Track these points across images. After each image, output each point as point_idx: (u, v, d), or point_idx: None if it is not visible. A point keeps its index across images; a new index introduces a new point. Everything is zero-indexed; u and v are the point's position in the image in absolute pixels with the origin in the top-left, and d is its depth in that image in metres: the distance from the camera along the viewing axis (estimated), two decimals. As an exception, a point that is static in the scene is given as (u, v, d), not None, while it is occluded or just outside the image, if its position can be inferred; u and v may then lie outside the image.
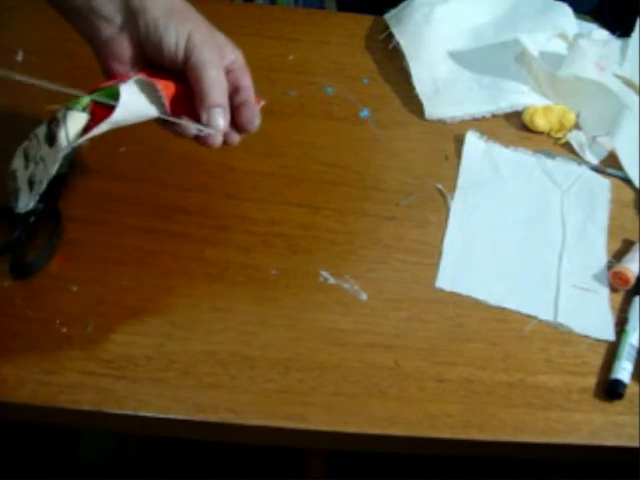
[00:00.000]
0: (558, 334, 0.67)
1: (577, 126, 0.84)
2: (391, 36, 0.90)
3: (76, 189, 0.71)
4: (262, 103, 0.64)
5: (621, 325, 0.68)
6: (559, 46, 0.88)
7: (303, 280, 0.68)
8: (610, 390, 0.63)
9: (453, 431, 0.61)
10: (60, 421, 0.61)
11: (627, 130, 0.81)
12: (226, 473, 1.14)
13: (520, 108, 0.84)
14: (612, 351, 0.66)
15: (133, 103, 0.58)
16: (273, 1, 1.13)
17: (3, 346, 0.61)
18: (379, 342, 0.65)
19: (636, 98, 0.84)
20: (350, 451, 0.68)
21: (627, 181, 0.80)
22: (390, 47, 0.90)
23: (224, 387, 0.61)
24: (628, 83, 0.85)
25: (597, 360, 0.66)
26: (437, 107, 0.84)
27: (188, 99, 0.60)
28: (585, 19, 0.94)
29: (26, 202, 0.62)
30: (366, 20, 0.94)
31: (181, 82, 0.60)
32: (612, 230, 0.76)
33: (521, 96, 0.85)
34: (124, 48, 0.59)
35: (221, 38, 0.61)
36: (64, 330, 0.62)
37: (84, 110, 0.58)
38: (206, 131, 0.60)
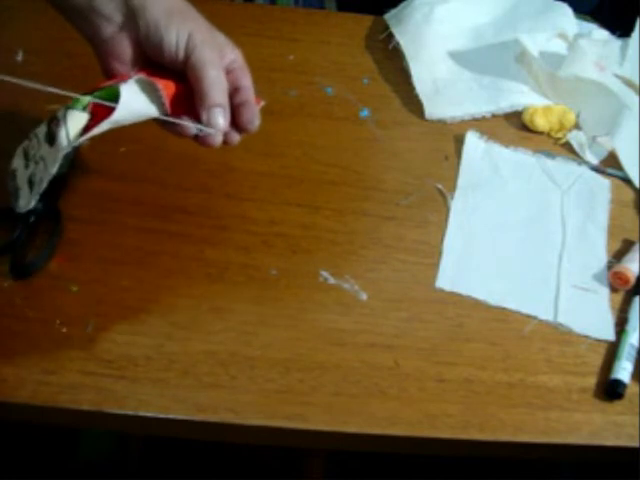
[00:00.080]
0: (558, 334, 0.67)
1: (577, 126, 0.84)
2: (391, 36, 0.90)
3: (76, 189, 0.71)
4: (262, 103, 0.64)
5: (621, 325, 0.68)
6: (559, 46, 0.88)
7: (303, 280, 0.68)
8: (610, 390, 0.63)
9: (453, 431, 0.61)
10: (60, 421, 0.61)
11: (627, 130, 0.81)
12: (226, 473, 1.14)
13: (520, 108, 0.84)
14: (612, 351, 0.66)
15: (133, 102, 0.58)
16: (273, 1, 1.13)
17: (3, 346, 0.61)
18: (379, 342, 0.65)
19: (636, 98, 0.84)
20: (350, 451, 0.68)
21: (627, 181, 0.80)
22: (390, 47, 0.90)
23: (224, 387, 0.61)
24: (628, 83, 0.85)
25: (597, 360, 0.66)
26: (437, 107, 0.84)
27: (188, 99, 0.60)
28: (585, 19, 0.94)
29: (26, 201, 0.62)
30: (366, 20, 0.94)
31: (181, 82, 0.60)
32: (612, 230, 0.76)
33: (521, 96, 0.85)
34: (124, 47, 0.59)
35: (221, 38, 0.62)
36: (64, 330, 0.62)
37: (84, 109, 0.58)
38: (206, 131, 0.60)
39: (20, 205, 0.62)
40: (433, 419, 0.61)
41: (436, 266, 0.70)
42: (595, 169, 0.81)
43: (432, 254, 0.71)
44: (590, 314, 0.69)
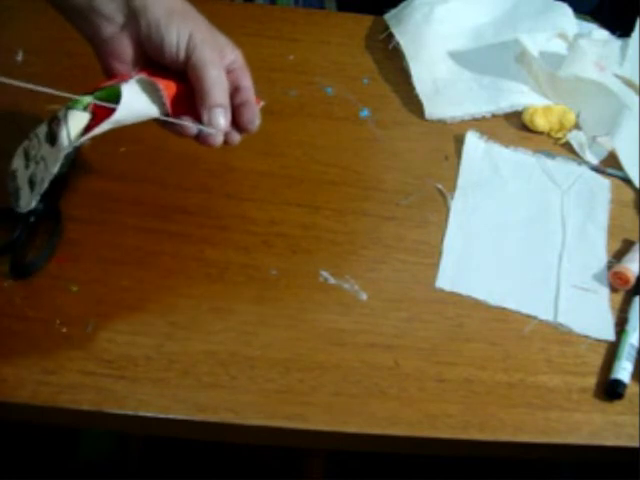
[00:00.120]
0: (558, 334, 0.67)
1: (577, 126, 0.84)
2: (391, 36, 0.90)
3: (76, 189, 0.71)
4: (262, 104, 0.64)
5: (621, 325, 0.68)
6: (559, 46, 0.88)
7: (303, 280, 0.68)
8: (610, 390, 0.63)
9: (453, 431, 0.61)
10: (60, 421, 0.61)
11: (627, 130, 0.81)
12: (226, 473, 1.14)
13: (520, 108, 0.84)
14: (612, 351, 0.66)
15: (134, 102, 0.58)
16: (273, 1, 1.13)
17: (3, 346, 0.61)
18: (379, 342, 0.65)
19: (636, 98, 0.84)
20: (350, 451, 0.68)
21: (627, 181, 0.80)
22: (390, 47, 0.90)
23: (224, 387, 0.61)
24: (628, 83, 0.85)
25: (597, 360, 0.66)
26: (437, 107, 0.84)
27: (189, 99, 0.60)
28: (585, 19, 0.94)
29: (27, 202, 0.62)
30: (366, 20, 0.94)
31: (182, 82, 0.60)
32: (612, 230, 0.76)
33: (521, 96, 0.85)
34: (125, 47, 0.59)
35: (222, 38, 0.62)
36: (64, 330, 0.62)
37: (85, 109, 0.58)
38: (207, 131, 0.60)
39: (21, 205, 0.62)
40: (433, 419, 0.61)
41: (436, 266, 0.70)
42: (595, 169, 0.81)
43: (432, 254, 0.71)
44: (590, 314, 0.69)
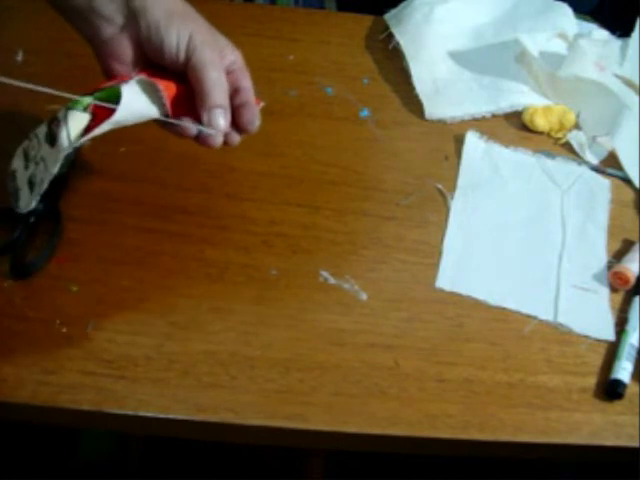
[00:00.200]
0: (558, 334, 0.67)
1: (577, 126, 0.84)
2: (391, 36, 0.90)
3: (76, 189, 0.71)
4: (261, 104, 0.64)
5: (621, 325, 0.68)
6: (559, 46, 0.88)
7: (303, 280, 0.68)
8: (610, 390, 0.63)
9: (453, 431, 0.61)
10: (60, 421, 0.61)
11: (627, 130, 0.81)
12: (226, 473, 1.14)
13: (520, 108, 0.84)
14: (612, 351, 0.66)
15: (135, 103, 0.58)
16: (273, 1, 1.13)
17: (3, 346, 0.61)
18: (379, 342, 0.65)
19: (636, 98, 0.84)
20: (350, 451, 0.68)
21: (627, 181, 0.80)
22: (390, 47, 0.90)
23: (224, 387, 0.61)
24: (628, 83, 0.85)
25: (597, 360, 0.66)
26: (437, 107, 0.84)
27: (189, 100, 0.60)
28: (585, 19, 0.94)
29: (27, 202, 0.62)
30: (366, 20, 0.94)
31: (181, 82, 0.60)
32: (612, 230, 0.76)
33: (521, 96, 0.85)
34: (124, 48, 0.59)
35: (221, 39, 0.62)
36: (64, 330, 0.62)
37: (85, 110, 0.58)
38: (207, 131, 0.60)
39: (20, 206, 0.62)
40: (433, 419, 0.61)
41: (436, 266, 0.70)
42: (595, 169, 0.81)
43: (432, 254, 0.71)
44: (590, 314, 0.69)
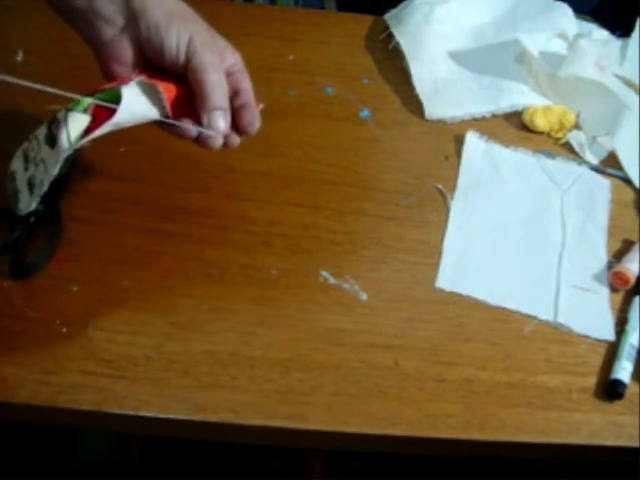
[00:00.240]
0: (558, 334, 0.67)
1: (577, 126, 0.84)
2: (391, 36, 0.90)
3: (76, 189, 0.71)
4: (261, 106, 0.64)
5: (621, 325, 0.68)
6: (559, 46, 0.88)
7: (303, 280, 0.68)
8: (610, 390, 0.63)
9: (453, 431, 0.61)
10: (60, 421, 0.61)
11: (627, 130, 0.81)
12: (226, 473, 1.14)
13: (520, 108, 0.84)
14: (612, 351, 0.66)
15: (135, 105, 0.58)
16: (273, 1, 1.13)
17: (3, 346, 0.61)
18: (379, 342, 0.65)
19: (636, 98, 0.84)
20: (350, 451, 0.68)
21: (627, 181, 0.80)
22: (390, 47, 0.90)
23: (224, 387, 0.61)
24: (628, 83, 0.86)
25: (597, 360, 0.66)
26: (437, 107, 0.84)
27: (189, 101, 0.60)
28: (585, 19, 0.94)
29: (26, 204, 0.62)
30: (366, 20, 0.94)
31: (181, 84, 0.60)
32: (612, 230, 0.76)
33: (521, 96, 0.85)
34: (125, 50, 0.59)
35: (221, 41, 0.62)
36: (64, 330, 0.62)
37: (85, 111, 0.57)
38: (207, 133, 0.60)
39: (20, 208, 0.62)
40: (433, 419, 0.61)
41: (436, 266, 0.70)
42: (595, 169, 0.81)
43: (432, 254, 0.71)
44: (590, 314, 0.69)
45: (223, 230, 0.70)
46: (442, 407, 0.62)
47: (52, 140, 0.59)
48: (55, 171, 0.59)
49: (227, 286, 0.67)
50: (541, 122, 0.83)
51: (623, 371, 0.64)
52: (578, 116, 0.84)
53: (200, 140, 0.61)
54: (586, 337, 0.67)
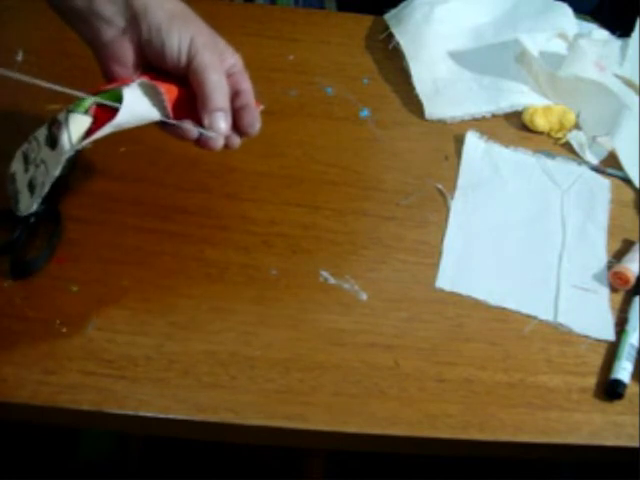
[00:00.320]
0: (558, 334, 0.67)
1: (577, 126, 0.84)
2: (391, 36, 0.90)
3: (76, 189, 0.71)
4: (261, 107, 0.64)
5: (621, 325, 0.68)
6: (559, 46, 0.88)
7: (303, 280, 0.68)
8: (610, 390, 0.63)
9: (453, 431, 0.61)
10: (60, 421, 0.61)
11: (627, 130, 0.81)
12: (226, 473, 1.14)
13: (520, 108, 0.84)
14: (612, 351, 0.66)
15: (136, 106, 0.58)
16: (273, 1, 1.13)
17: (3, 346, 0.61)
18: (379, 342, 0.65)
19: (636, 98, 0.84)
20: (350, 451, 0.68)
21: (627, 181, 0.80)
22: (390, 47, 0.90)
23: (224, 387, 0.61)
24: (628, 83, 0.86)
25: (597, 360, 0.66)
26: (437, 107, 0.84)
27: (190, 103, 0.60)
28: (585, 19, 0.94)
29: (27, 205, 0.62)
30: (366, 20, 0.94)
31: (182, 85, 0.60)
32: (612, 230, 0.76)
33: (521, 96, 0.85)
34: (125, 51, 0.59)
35: (221, 42, 0.62)
36: (64, 330, 0.62)
37: (86, 113, 0.57)
38: (208, 134, 0.60)
39: (21, 209, 0.62)
40: (433, 419, 0.61)
41: (436, 266, 0.70)
42: (595, 169, 0.81)
43: (432, 254, 0.71)
44: (590, 314, 0.69)
45: (223, 230, 0.70)
46: (442, 407, 0.62)
47: (53, 141, 0.59)
48: (56, 172, 0.59)
49: (227, 286, 0.67)
50: (541, 122, 0.83)
51: (623, 371, 0.64)
52: (578, 116, 0.84)
53: (201, 141, 0.61)
54: (586, 337, 0.67)
